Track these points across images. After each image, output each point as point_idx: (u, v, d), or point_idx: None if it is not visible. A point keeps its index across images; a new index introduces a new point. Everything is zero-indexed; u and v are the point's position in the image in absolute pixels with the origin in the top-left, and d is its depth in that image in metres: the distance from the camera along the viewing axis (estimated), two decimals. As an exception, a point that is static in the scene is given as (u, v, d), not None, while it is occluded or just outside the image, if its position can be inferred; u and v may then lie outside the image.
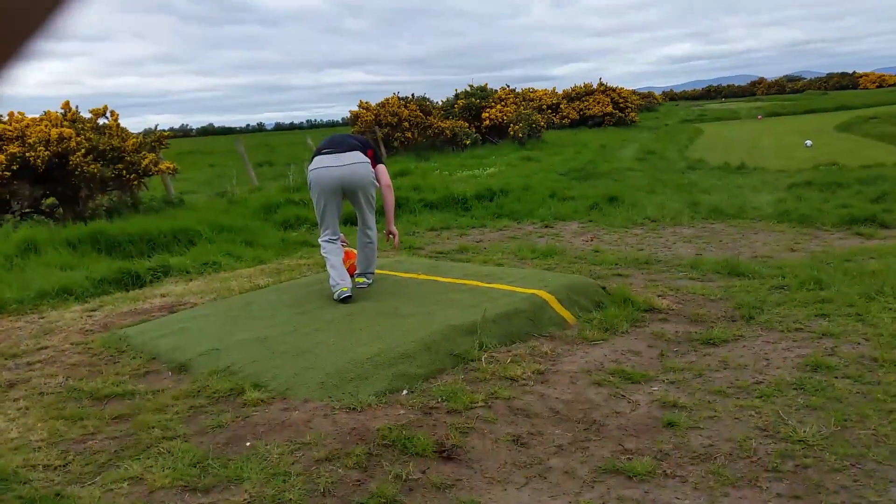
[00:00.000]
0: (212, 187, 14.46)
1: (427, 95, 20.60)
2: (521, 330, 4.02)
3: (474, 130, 20.43)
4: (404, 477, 2.48)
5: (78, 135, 9.12)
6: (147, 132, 10.88)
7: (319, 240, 4.83)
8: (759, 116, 33.02)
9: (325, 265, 4.92)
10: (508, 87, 23.11)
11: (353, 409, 3.01)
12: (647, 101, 47.53)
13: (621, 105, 29.94)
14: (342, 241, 5.02)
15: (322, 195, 4.64)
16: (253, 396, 3.21)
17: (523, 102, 22.87)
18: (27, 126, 8.90)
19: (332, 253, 4.73)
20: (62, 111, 9.81)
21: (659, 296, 4.66)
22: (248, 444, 2.76)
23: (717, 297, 4.62)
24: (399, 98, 19.44)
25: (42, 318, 5.00)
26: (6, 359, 4.07)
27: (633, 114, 30.28)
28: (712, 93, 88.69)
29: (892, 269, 4.79)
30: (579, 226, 8.03)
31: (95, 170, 9.02)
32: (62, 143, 8.82)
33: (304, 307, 4.57)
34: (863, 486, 2.26)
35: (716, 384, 3.19)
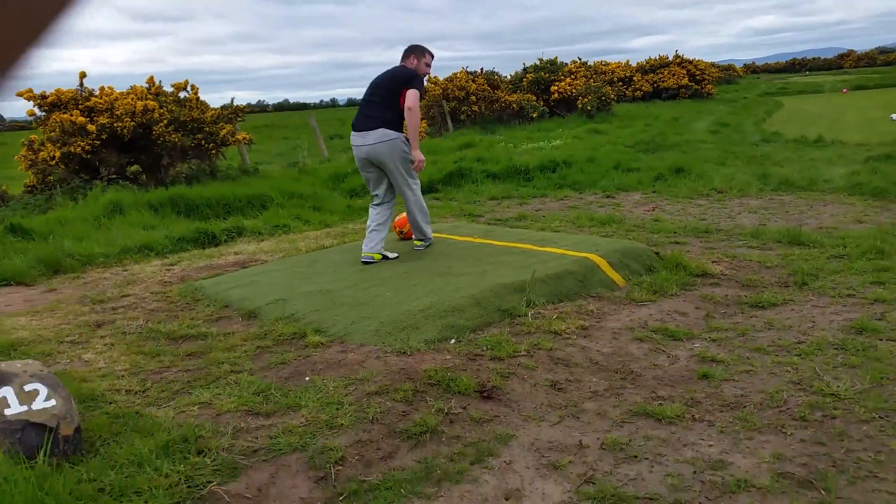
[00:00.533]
0: (285, 158, 14.98)
1: (496, 70, 20.55)
2: (570, 290, 4.14)
3: (542, 104, 20.28)
4: (446, 411, 2.67)
5: (161, 107, 9.66)
6: (225, 106, 11.37)
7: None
8: (844, 90, 31.34)
9: None
10: (580, 60, 22.79)
11: (404, 352, 3.22)
12: (727, 74, 45.71)
13: (698, 77, 29.02)
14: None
15: (359, 168, 5.05)
16: (314, 340, 3.47)
17: (594, 76, 22.50)
18: (115, 99, 9.48)
19: (371, 218, 5.00)
20: (147, 85, 10.38)
21: (713, 262, 4.68)
22: (307, 378, 3.02)
23: (774, 264, 4.60)
24: (467, 72, 19.47)
25: (125, 270, 5.45)
26: (94, 303, 4.49)
27: (710, 86, 29.30)
28: (796, 66, 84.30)
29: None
30: (642, 196, 7.99)
31: (176, 139, 9.55)
32: (146, 114, 9.37)
33: (364, 266, 4.81)
34: (888, 437, 2.32)
35: (757, 342, 3.24)
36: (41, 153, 9.01)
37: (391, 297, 4.01)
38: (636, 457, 2.35)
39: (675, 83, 28.49)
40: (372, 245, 4.90)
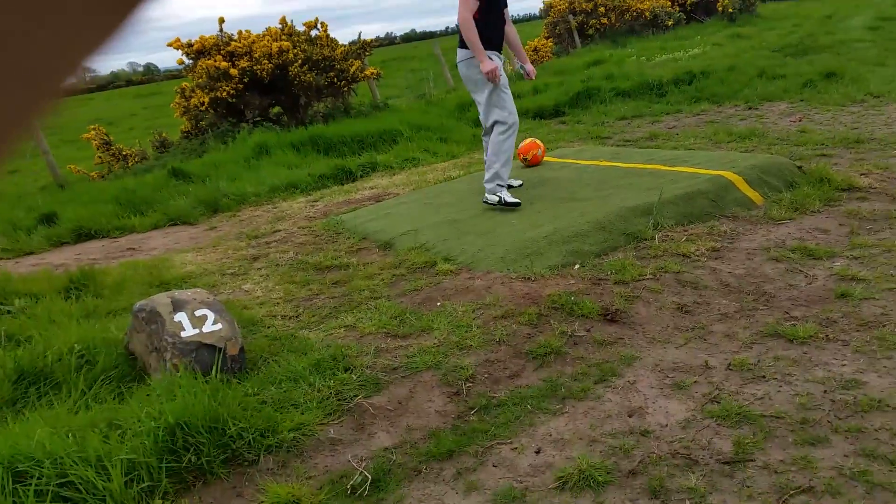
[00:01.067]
0: (413, 91, 15.19)
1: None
2: (702, 210, 4.03)
3: (678, 10, 18.94)
4: (570, 333, 2.78)
5: (294, 47, 10.08)
6: (353, 42, 11.65)
7: None
8: None
9: None
10: (720, -44, 20.90)
11: (528, 278, 3.34)
12: (898, -43, 40.07)
13: (860, -36, 25.74)
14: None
15: None
16: (443, 268, 3.66)
17: (737, -27, 20.60)
18: (253, 42, 9.99)
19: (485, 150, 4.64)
20: (280, 26, 10.83)
21: (862, 174, 4.35)
22: (438, 303, 3.23)
23: (935, 173, 4.21)
24: (595, -18, 18.50)
25: (275, 207, 5.92)
26: (250, 238, 4.96)
27: (875, -26, 25.92)
28: None
29: None
30: (788, 106, 7.42)
31: (311, 79, 9.97)
32: (282, 55, 9.82)
33: (491, 194, 4.92)
34: None
35: (906, 260, 3.05)
36: (192, 100, 9.75)
37: (515, 224, 4.11)
38: (764, 377, 2.35)
39: (834, -27, 25.45)
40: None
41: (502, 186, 4.47)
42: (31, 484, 2.00)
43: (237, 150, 7.97)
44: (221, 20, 10.28)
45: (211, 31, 10.18)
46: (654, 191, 4.19)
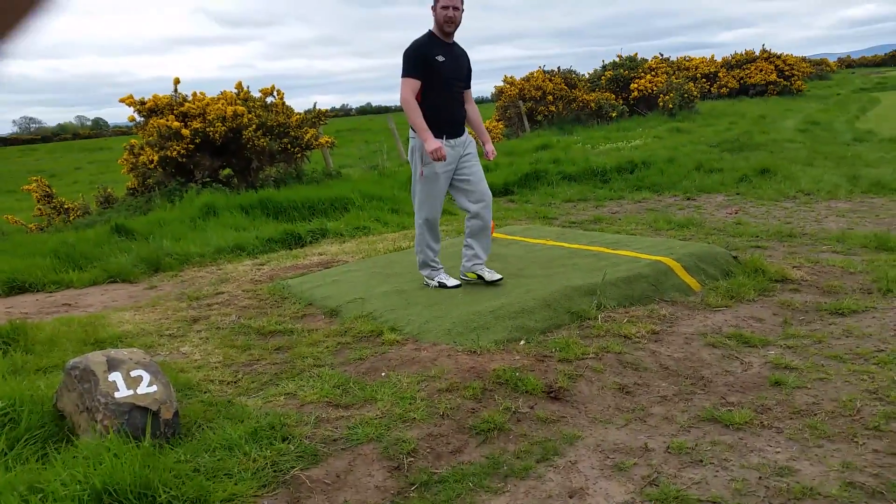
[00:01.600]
0: (366, 161, 15.39)
1: (574, 68, 20.43)
2: (643, 294, 4.15)
3: (621, 102, 19.99)
4: (514, 409, 2.78)
5: (249, 112, 10.16)
6: (308, 111, 11.82)
7: None
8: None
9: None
10: (661, 55, 22.32)
11: (474, 352, 3.34)
12: (819, 69, 43.57)
13: (787, 73, 27.82)
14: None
15: None
16: (389, 337, 3.64)
17: (677, 72, 21.99)
18: (207, 104, 10.03)
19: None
20: (236, 91, 10.92)
21: (794, 267, 4.58)
22: (382, 374, 3.19)
23: (858, 270, 4.46)
24: (544, 72, 19.43)
25: (219, 269, 5.81)
26: (191, 300, 4.84)
27: (799, 82, 28.03)
28: (896, 59, 79.02)
29: None
30: (724, 198, 7.82)
31: (265, 143, 10.01)
32: (236, 119, 9.87)
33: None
34: (968, 449, 2.26)
35: (834, 350, 3.19)
36: (141, 157, 9.64)
37: (462, 298, 4.14)
38: (701, 461, 2.38)
39: (763, 79, 27.43)
40: (463, 262, 4.42)
41: (436, 271, 4.43)
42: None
43: (184, 209, 7.86)
44: (177, 81, 10.31)
45: (165, 90, 10.16)
46: (597, 272, 4.31)
